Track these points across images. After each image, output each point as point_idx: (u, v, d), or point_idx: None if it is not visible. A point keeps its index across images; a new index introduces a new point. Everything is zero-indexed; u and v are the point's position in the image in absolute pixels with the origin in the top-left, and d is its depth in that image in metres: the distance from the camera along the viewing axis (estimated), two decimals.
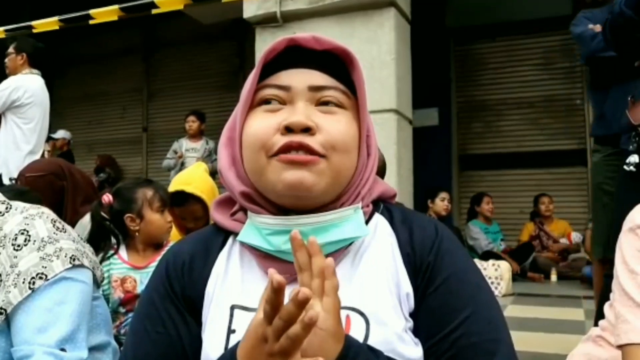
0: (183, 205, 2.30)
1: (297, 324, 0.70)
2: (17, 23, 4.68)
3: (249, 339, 0.77)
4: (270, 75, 0.93)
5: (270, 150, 0.88)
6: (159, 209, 2.14)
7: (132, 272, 2.11)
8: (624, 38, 2.16)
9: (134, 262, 2.14)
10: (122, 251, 2.16)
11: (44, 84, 4.24)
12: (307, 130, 0.87)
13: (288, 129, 0.87)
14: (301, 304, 0.69)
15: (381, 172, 2.28)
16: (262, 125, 0.89)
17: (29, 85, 4.10)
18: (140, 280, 2.10)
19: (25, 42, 4.36)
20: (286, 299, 0.89)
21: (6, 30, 4.34)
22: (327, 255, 0.88)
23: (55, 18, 4.30)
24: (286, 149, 0.87)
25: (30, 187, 2.26)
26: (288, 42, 0.92)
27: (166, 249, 2.14)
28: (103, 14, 4.31)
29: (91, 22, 4.47)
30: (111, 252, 2.12)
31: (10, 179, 2.47)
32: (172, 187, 2.33)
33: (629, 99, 2.22)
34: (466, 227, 6.62)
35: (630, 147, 2.12)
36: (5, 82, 4.10)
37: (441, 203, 5.94)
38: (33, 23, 4.37)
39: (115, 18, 4.41)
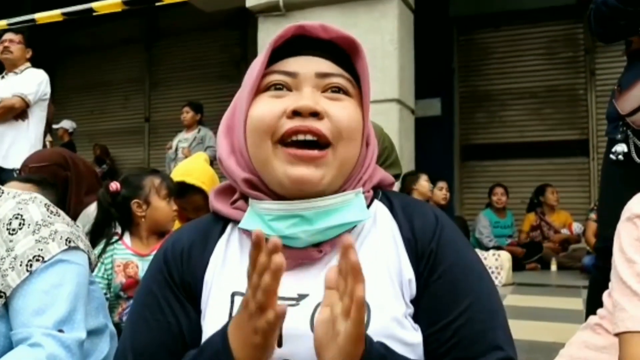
0: (184, 196, 2.31)
1: (265, 274, 0.72)
2: (19, 15, 4.67)
3: (237, 312, 0.80)
4: (277, 62, 0.93)
5: (276, 135, 0.88)
6: (165, 197, 2.16)
7: (134, 258, 2.13)
8: (609, 27, 2.17)
9: (137, 249, 2.16)
10: (127, 238, 2.18)
11: None
12: (314, 115, 0.87)
13: (295, 113, 0.87)
14: (271, 252, 0.71)
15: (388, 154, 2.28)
16: (268, 109, 0.90)
17: (49, 80, 4.17)
18: (142, 268, 2.11)
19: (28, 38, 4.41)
20: (286, 287, 0.90)
21: (9, 24, 4.33)
22: (327, 241, 0.91)
23: (58, 11, 4.29)
24: (293, 133, 0.87)
25: None
26: (296, 30, 0.93)
27: (168, 237, 2.17)
28: (105, 8, 4.31)
29: (94, 14, 4.47)
30: (115, 238, 2.15)
31: (14, 170, 2.48)
32: (173, 178, 2.35)
33: (616, 87, 2.23)
34: (478, 217, 6.59)
35: (618, 136, 2.14)
36: (35, 75, 4.14)
37: (439, 192, 5.94)
38: (36, 16, 4.36)
39: (118, 9, 4.41)
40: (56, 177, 2.35)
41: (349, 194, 0.92)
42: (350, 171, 0.93)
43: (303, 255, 0.90)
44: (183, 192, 2.29)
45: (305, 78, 0.91)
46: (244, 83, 0.95)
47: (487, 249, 5.90)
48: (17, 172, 2.44)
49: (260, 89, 0.93)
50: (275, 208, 0.90)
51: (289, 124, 0.87)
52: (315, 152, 0.87)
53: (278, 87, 0.92)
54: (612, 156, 2.14)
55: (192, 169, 2.38)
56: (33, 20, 4.55)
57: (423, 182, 5.06)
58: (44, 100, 4.11)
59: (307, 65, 0.92)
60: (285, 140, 0.88)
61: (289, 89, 0.91)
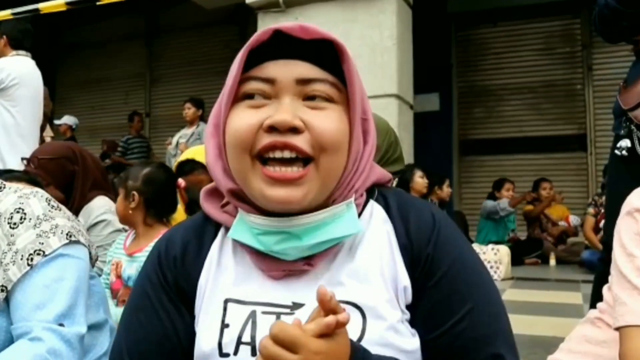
0: (190, 173, 2.32)
1: None
2: (21, 4, 4.63)
3: None
4: (256, 66, 0.87)
5: (254, 150, 0.83)
6: (120, 193, 2.18)
7: (124, 257, 2.15)
8: (612, 27, 2.19)
9: (129, 247, 2.18)
10: (130, 238, 2.21)
11: (34, 66, 4.13)
12: (293, 130, 0.82)
13: (272, 128, 0.82)
14: None
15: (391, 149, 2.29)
16: (245, 122, 0.84)
17: (12, 67, 4.01)
18: (124, 267, 2.12)
19: (7, 24, 4.26)
20: (279, 295, 0.88)
21: (13, 14, 4.26)
22: (320, 253, 0.87)
23: (62, 1, 4.23)
24: (270, 148, 0.82)
25: (42, 169, 2.29)
26: (274, 32, 0.87)
27: (156, 238, 2.15)
28: None
29: (98, 3, 4.41)
30: (121, 235, 2.22)
31: (22, 159, 2.48)
32: (182, 157, 2.37)
33: (621, 84, 2.24)
34: (484, 203, 6.47)
35: (622, 131, 2.14)
36: None
37: (447, 190, 5.95)
38: (39, 6, 4.30)
39: None
40: (63, 171, 2.36)
41: (339, 206, 0.87)
42: (336, 181, 0.88)
43: (293, 266, 0.88)
44: (190, 170, 2.31)
45: (284, 85, 0.84)
46: (225, 84, 0.89)
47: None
48: (25, 162, 2.44)
49: (239, 96, 0.87)
50: (262, 223, 0.86)
51: (266, 140, 0.82)
52: (294, 174, 0.82)
53: (255, 96, 0.86)
54: (616, 152, 2.14)
55: (202, 151, 2.39)
56: (37, 10, 4.48)
57: (417, 179, 4.90)
58: (2, 89, 3.89)
59: (286, 70, 0.85)
60: (263, 156, 0.84)
61: (268, 97, 0.85)
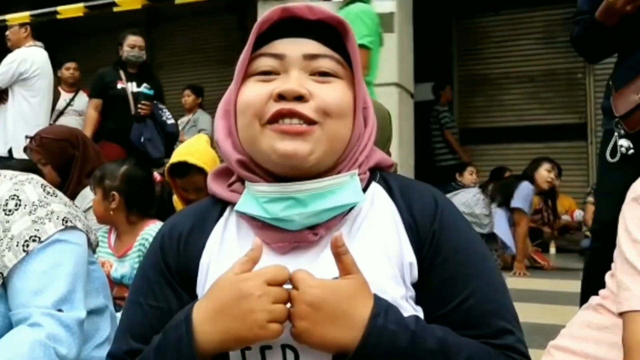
0: (185, 176, 2.29)
1: None
2: (42, 7, 4.66)
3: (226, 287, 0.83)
4: (264, 45, 0.93)
5: (263, 118, 0.88)
6: (96, 192, 2.16)
7: (111, 257, 2.16)
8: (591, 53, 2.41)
9: (115, 248, 2.18)
10: (113, 235, 2.21)
11: (47, 57, 4.20)
12: (300, 98, 0.87)
13: (281, 97, 0.87)
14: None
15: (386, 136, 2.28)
16: (255, 93, 0.90)
17: (35, 58, 4.06)
18: (116, 268, 2.13)
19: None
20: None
21: (32, 15, 4.29)
22: (322, 223, 0.90)
23: (81, 4, 4.26)
24: (278, 116, 0.87)
25: (42, 147, 2.30)
26: (282, 12, 0.92)
27: (141, 233, 2.15)
28: (128, 2, 4.29)
29: (115, 9, 4.45)
30: (102, 232, 2.20)
31: (26, 137, 2.51)
32: (174, 158, 2.33)
33: (610, 82, 2.28)
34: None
35: (621, 131, 2.16)
36: (11, 55, 4.06)
37: (470, 177, 5.96)
38: (58, 9, 4.33)
39: (138, 6, 4.38)
40: (63, 154, 2.37)
41: (343, 175, 0.91)
42: (343, 149, 0.93)
43: (298, 237, 0.90)
44: (184, 172, 2.28)
45: (293, 60, 0.90)
46: (237, 65, 0.94)
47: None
48: (29, 140, 2.46)
49: (248, 74, 0.93)
50: (269, 190, 0.90)
51: (275, 108, 0.87)
52: (301, 127, 0.87)
53: (266, 72, 0.91)
54: (622, 149, 2.15)
55: (194, 149, 2.36)
56: (56, 12, 4.53)
57: (543, 172, 5.21)
58: (25, 80, 4.00)
59: (294, 47, 0.91)
60: (272, 123, 0.88)
61: (277, 73, 0.91)
